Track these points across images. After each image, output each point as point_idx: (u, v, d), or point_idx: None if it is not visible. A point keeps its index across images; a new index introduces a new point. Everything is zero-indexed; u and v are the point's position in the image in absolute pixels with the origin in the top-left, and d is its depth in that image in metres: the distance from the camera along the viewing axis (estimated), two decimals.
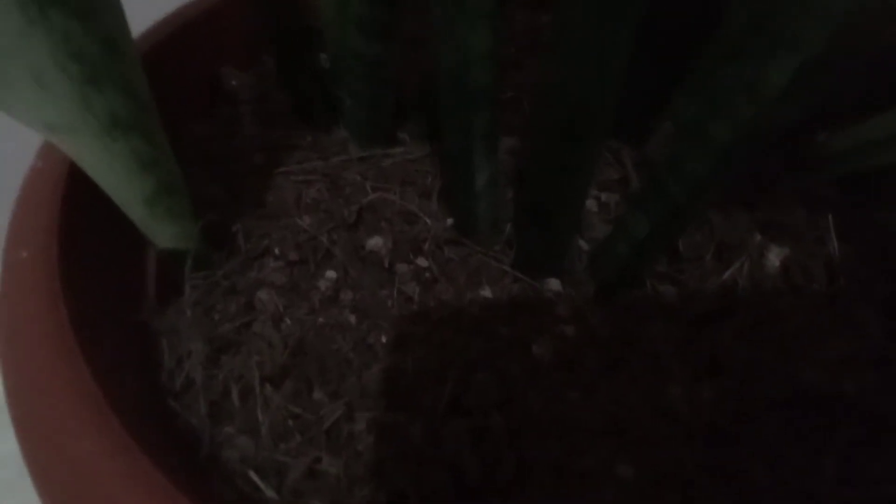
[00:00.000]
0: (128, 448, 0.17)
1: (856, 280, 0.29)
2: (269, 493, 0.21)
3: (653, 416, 0.26)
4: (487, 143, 0.28)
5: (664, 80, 0.35)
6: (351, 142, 0.38)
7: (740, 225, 0.31)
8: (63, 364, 0.19)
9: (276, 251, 0.30)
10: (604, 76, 0.22)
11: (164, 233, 0.26)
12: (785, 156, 0.37)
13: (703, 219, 0.31)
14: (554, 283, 0.30)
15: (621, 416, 0.26)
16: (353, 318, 0.29)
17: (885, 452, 0.23)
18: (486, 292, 0.30)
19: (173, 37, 0.36)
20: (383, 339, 0.28)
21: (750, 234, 0.31)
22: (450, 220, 0.32)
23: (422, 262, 0.30)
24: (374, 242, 0.31)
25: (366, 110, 0.36)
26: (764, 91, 0.20)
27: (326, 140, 0.38)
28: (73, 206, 0.25)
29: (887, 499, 0.23)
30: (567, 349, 0.28)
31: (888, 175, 0.35)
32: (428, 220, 0.31)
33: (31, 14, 0.17)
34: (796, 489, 0.23)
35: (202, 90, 0.39)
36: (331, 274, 0.30)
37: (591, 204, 0.35)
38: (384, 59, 0.33)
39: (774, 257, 0.30)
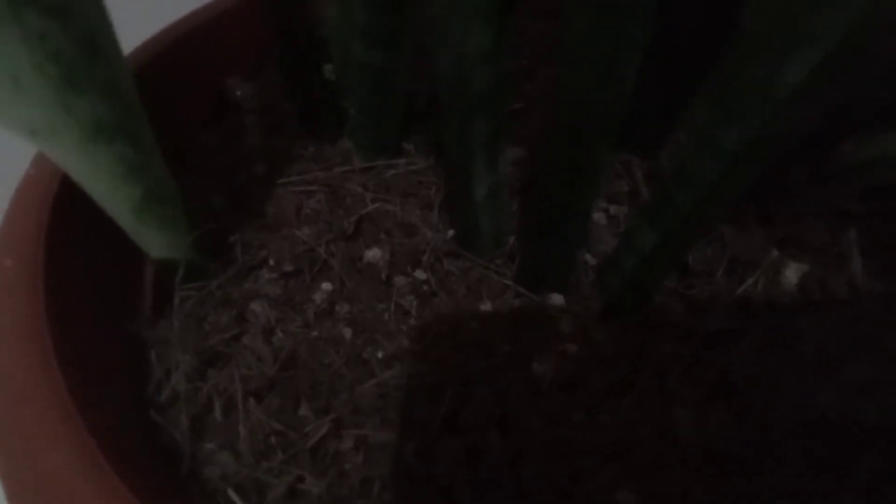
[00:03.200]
0: (99, 465, 0.16)
1: (880, 300, 0.27)
2: None
3: (658, 440, 0.24)
4: (489, 152, 0.27)
5: (677, 90, 0.34)
6: (355, 153, 0.37)
7: (756, 239, 0.30)
8: (39, 375, 0.19)
9: (272, 262, 0.29)
10: (608, 82, 0.21)
11: (155, 242, 0.26)
12: (807, 167, 0.35)
13: (714, 232, 0.29)
14: (557, 299, 0.29)
15: (625, 440, 0.24)
16: (348, 332, 0.28)
17: None
18: (487, 307, 0.29)
19: (178, 46, 0.36)
20: (379, 355, 0.28)
21: (766, 249, 0.30)
22: (451, 232, 0.31)
23: (420, 274, 0.29)
24: (373, 254, 0.30)
25: (370, 121, 0.36)
26: (777, 91, 0.19)
27: (330, 151, 0.37)
28: (64, 214, 0.24)
29: None
30: (570, 368, 0.26)
31: None
32: (428, 232, 0.31)
33: (2, 12, 0.16)
34: None
35: (207, 100, 0.39)
36: (326, 286, 0.29)
37: (599, 217, 0.34)
38: (389, 69, 0.33)
39: (792, 274, 0.29)
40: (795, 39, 0.18)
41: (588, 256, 0.31)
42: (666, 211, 0.24)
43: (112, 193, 0.23)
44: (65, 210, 0.24)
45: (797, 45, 0.18)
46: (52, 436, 0.17)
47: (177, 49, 0.36)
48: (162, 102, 0.30)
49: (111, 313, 0.26)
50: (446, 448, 0.24)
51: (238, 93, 0.39)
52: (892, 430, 0.22)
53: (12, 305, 0.21)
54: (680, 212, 0.24)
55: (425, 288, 0.29)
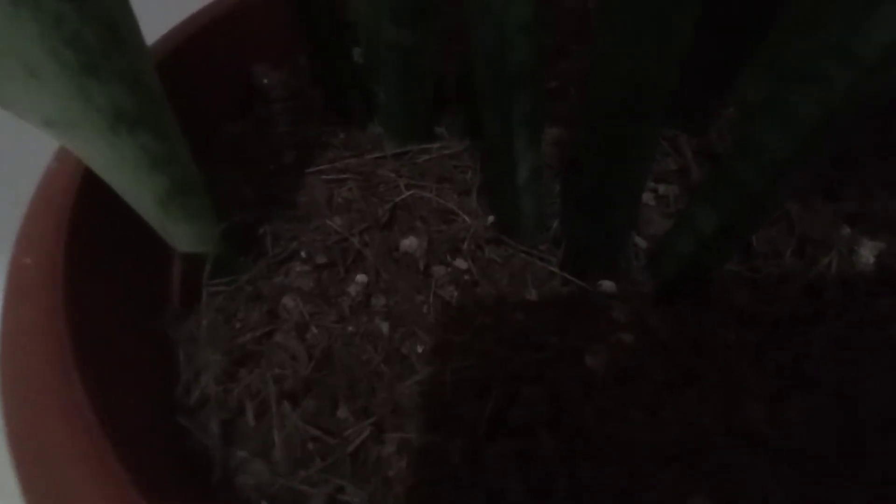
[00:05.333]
0: (117, 478, 0.15)
1: None
2: None
3: (730, 439, 0.22)
4: (530, 130, 0.25)
5: (726, 60, 0.32)
6: (386, 139, 0.35)
7: (823, 216, 0.27)
8: (57, 379, 0.18)
9: (304, 254, 0.27)
10: (668, 42, 0.19)
11: (182, 236, 0.25)
12: (872, 136, 0.33)
13: (780, 210, 0.27)
14: (608, 285, 0.27)
15: (692, 439, 0.22)
16: (385, 327, 0.26)
17: None
18: (532, 295, 0.27)
19: (201, 34, 0.34)
20: (419, 349, 0.26)
21: (836, 226, 0.27)
22: (491, 218, 0.29)
23: (460, 263, 0.27)
24: (409, 243, 0.28)
25: (400, 104, 0.34)
26: (862, 53, 0.17)
27: (360, 137, 0.36)
28: (86, 209, 0.23)
29: None
30: (625, 359, 0.24)
31: None
32: (467, 218, 0.29)
33: None
34: None
35: (234, 88, 0.37)
36: (361, 278, 0.27)
37: (647, 197, 0.31)
38: (419, 49, 0.31)
39: (867, 252, 0.26)
40: None
41: (638, 239, 0.29)
42: (728, 189, 0.22)
43: (136, 186, 0.22)
44: (88, 206, 0.23)
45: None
46: (69, 446, 0.16)
47: (201, 38, 0.35)
48: (186, 92, 0.28)
49: (137, 312, 0.25)
50: (496, 450, 0.22)
51: (265, 81, 0.38)
52: None
53: (31, 305, 0.20)
54: (744, 190, 0.21)
55: (466, 277, 0.27)
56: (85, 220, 0.23)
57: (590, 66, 0.21)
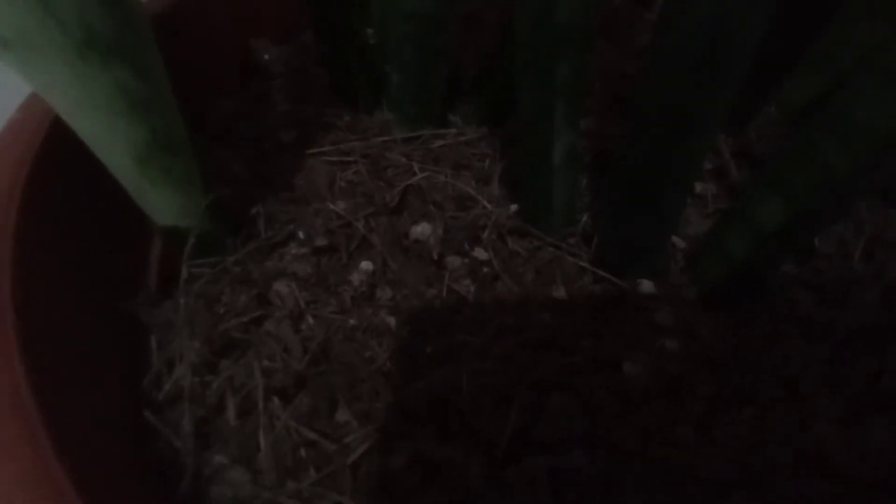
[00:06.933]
0: (54, 482, 0.11)
1: None
2: None
3: (799, 466, 0.19)
4: (571, 101, 0.22)
5: (769, 59, 0.29)
6: (395, 123, 0.32)
7: (892, 218, 0.24)
8: None
9: (301, 235, 0.24)
10: None
11: (162, 205, 0.21)
12: None
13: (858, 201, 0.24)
14: (647, 286, 0.24)
15: (752, 463, 0.19)
16: (392, 321, 0.23)
17: None
18: (561, 294, 0.24)
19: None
20: (429, 350, 0.22)
21: None
22: (514, 207, 0.26)
23: (480, 254, 0.24)
24: (421, 230, 0.25)
25: (415, 83, 0.31)
26: None
27: (367, 121, 0.33)
28: (50, 165, 0.20)
29: None
30: (670, 369, 0.21)
31: None
32: (487, 205, 0.26)
33: None
34: None
35: (231, 61, 0.34)
36: (366, 266, 0.24)
37: None
38: (438, 21, 0.28)
39: None
40: None
41: (676, 239, 0.26)
42: (807, 173, 0.19)
43: (109, 136, 0.18)
44: (52, 162, 0.20)
45: None
46: (3, 440, 0.13)
47: (195, 1, 0.32)
48: (176, 60, 0.26)
49: (103, 290, 0.21)
50: (522, 469, 0.18)
51: (265, 56, 0.35)
52: None
53: None
54: (829, 173, 0.18)
55: (485, 270, 0.24)
56: (47, 177, 0.19)
57: (661, 13, 0.18)
